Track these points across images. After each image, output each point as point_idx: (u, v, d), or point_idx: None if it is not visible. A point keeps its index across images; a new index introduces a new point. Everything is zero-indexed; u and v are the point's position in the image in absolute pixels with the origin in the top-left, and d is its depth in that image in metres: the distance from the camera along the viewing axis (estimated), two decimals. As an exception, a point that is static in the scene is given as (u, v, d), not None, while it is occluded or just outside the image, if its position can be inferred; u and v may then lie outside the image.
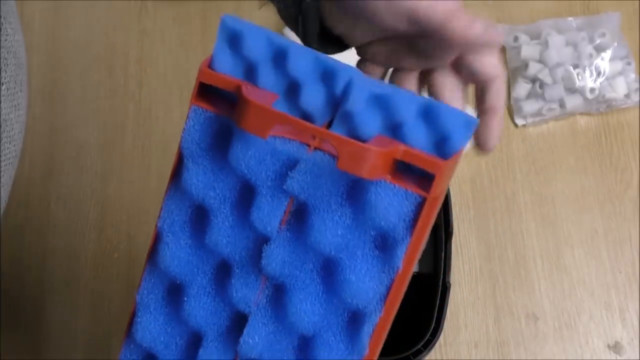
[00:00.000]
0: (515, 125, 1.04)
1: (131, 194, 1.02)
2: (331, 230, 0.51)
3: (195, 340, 0.56)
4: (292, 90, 0.52)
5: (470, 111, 1.03)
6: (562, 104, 1.03)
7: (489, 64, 0.55)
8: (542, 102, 1.03)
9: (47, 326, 0.96)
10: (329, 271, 0.52)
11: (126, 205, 1.02)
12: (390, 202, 0.49)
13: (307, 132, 0.49)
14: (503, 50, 1.07)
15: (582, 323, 0.95)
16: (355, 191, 0.50)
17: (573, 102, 1.03)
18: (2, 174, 0.63)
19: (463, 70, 0.56)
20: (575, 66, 1.03)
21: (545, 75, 1.03)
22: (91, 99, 1.08)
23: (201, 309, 0.55)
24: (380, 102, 0.50)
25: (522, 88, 1.04)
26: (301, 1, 0.56)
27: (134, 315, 0.58)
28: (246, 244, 0.53)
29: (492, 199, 1.01)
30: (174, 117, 1.06)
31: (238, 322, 0.54)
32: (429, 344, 0.87)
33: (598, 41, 1.04)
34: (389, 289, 0.50)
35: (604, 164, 1.02)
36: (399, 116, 0.50)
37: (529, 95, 1.04)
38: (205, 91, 0.53)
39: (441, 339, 0.91)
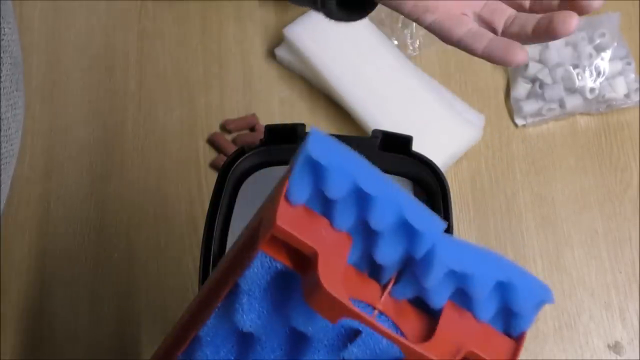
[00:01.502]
0: (515, 125, 1.04)
1: (131, 194, 1.02)
2: None
3: None
4: (369, 234, 0.49)
5: (477, 114, 1.03)
6: (562, 104, 1.03)
7: None
8: (542, 102, 1.03)
9: (47, 326, 0.96)
10: None
11: (126, 205, 1.02)
12: None
13: (379, 332, 0.47)
14: (503, 50, 1.07)
15: (582, 323, 0.95)
16: None
17: (573, 102, 1.03)
18: (0, 173, 0.63)
19: None
20: (575, 66, 1.03)
21: (545, 75, 1.03)
22: (91, 99, 1.08)
23: None
24: (458, 277, 0.48)
25: (522, 88, 1.04)
26: None
27: None
28: None
29: (492, 199, 1.01)
30: (174, 117, 1.06)
31: None
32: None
33: (598, 41, 1.04)
34: None
35: (604, 164, 1.02)
36: (474, 293, 0.49)
37: (529, 95, 1.04)
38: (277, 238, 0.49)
39: (441, 339, 0.91)
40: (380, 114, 1.01)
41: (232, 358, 0.54)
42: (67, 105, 1.07)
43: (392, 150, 0.73)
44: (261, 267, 0.50)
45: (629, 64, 1.05)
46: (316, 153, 0.46)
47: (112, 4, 1.12)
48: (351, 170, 0.47)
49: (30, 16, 1.12)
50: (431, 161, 0.74)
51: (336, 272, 0.47)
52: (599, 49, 1.04)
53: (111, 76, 1.09)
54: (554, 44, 1.03)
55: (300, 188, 0.47)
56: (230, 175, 0.69)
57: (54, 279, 0.98)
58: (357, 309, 0.47)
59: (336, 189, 0.47)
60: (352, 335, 0.49)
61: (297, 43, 1.04)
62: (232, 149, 1.00)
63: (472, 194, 1.01)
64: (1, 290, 0.97)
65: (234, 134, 1.04)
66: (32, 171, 1.03)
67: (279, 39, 1.08)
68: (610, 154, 1.03)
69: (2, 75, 0.60)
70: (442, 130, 1.00)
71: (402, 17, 1.10)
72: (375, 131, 0.74)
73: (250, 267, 0.50)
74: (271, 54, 1.08)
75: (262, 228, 0.49)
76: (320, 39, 1.04)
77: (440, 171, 0.73)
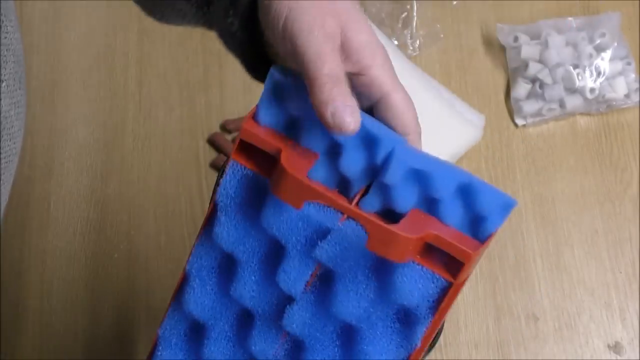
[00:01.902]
0: (515, 125, 1.04)
1: (131, 194, 1.02)
2: (354, 302, 0.51)
3: None
4: (334, 149, 0.52)
5: (477, 114, 1.03)
6: (562, 104, 1.03)
7: (400, 119, 0.52)
8: (542, 102, 1.03)
9: (47, 326, 0.96)
10: (348, 337, 0.53)
11: (126, 205, 1.02)
12: (416, 283, 0.50)
13: (340, 209, 0.49)
14: (503, 50, 1.08)
15: (582, 323, 0.95)
16: (382, 267, 0.51)
17: (573, 102, 1.03)
18: (2, 171, 0.63)
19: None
20: (575, 66, 1.03)
21: (545, 76, 1.03)
22: (91, 99, 1.08)
23: (220, 353, 0.56)
24: (419, 177, 0.50)
25: (522, 88, 1.04)
26: (234, 34, 0.55)
27: (154, 348, 0.58)
28: (270, 299, 0.54)
29: (492, 199, 1.00)
30: (174, 117, 1.06)
31: None
32: (429, 344, 0.87)
33: (598, 41, 1.04)
34: None
35: (604, 164, 1.02)
36: (437, 193, 0.50)
37: (529, 96, 1.04)
38: (246, 146, 0.53)
39: (441, 339, 0.91)
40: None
41: (217, 290, 0.56)
42: (67, 105, 1.08)
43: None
44: (234, 175, 0.53)
45: (629, 64, 1.05)
46: (280, 77, 0.51)
47: (112, 4, 1.12)
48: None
49: (30, 16, 1.12)
50: (431, 161, 0.74)
51: (300, 167, 0.50)
52: (599, 49, 1.04)
53: (111, 76, 1.09)
54: (554, 44, 1.03)
55: (266, 109, 0.52)
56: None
57: (54, 279, 0.98)
58: (319, 188, 0.50)
59: (299, 104, 0.51)
60: (323, 235, 0.51)
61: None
62: (232, 149, 1.00)
63: (472, 194, 1.01)
64: (1, 290, 0.97)
65: (234, 134, 1.04)
66: (32, 171, 1.03)
67: (279, 39, 1.08)
68: (610, 154, 1.03)
69: (5, 73, 0.60)
70: (442, 130, 1.00)
71: (402, 17, 1.10)
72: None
73: (224, 177, 0.53)
74: (271, 54, 1.08)
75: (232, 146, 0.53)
76: (320, 39, 1.04)
77: (440, 171, 0.73)
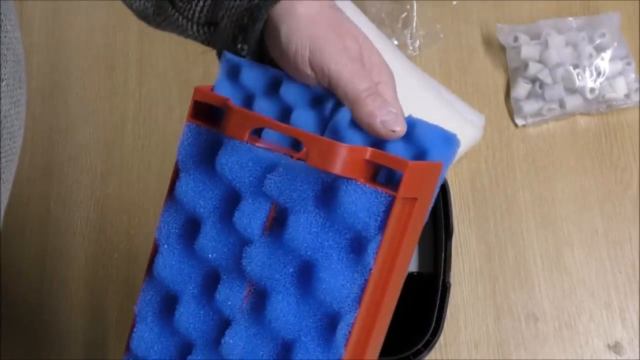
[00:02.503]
0: (515, 125, 1.04)
1: (131, 194, 1.02)
2: (305, 228, 0.52)
3: (186, 350, 0.57)
4: (286, 115, 0.56)
5: (477, 114, 1.03)
6: (562, 104, 1.03)
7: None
8: (542, 102, 1.03)
9: (47, 326, 0.96)
10: (306, 275, 0.53)
11: (126, 205, 1.02)
12: (360, 199, 0.51)
13: (280, 130, 0.52)
14: (503, 50, 1.08)
15: (582, 323, 0.95)
16: (329, 193, 0.52)
17: (573, 102, 1.03)
18: (2, 171, 0.63)
19: None
20: (575, 66, 1.03)
21: (545, 76, 1.03)
22: (91, 99, 1.08)
23: (191, 316, 0.57)
24: None
25: (522, 88, 1.04)
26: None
27: (133, 327, 0.60)
28: (232, 250, 0.55)
29: (492, 199, 1.01)
30: (174, 117, 1.06)
31: (225, 330, 0.55)
32: (429, 344, 0.87)
33: (598, 41, 1.04)
34: (363, 288, 0.51)
35: (604, 164, 1.02)
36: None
37: (529, 96, 1.04)
38: (201, 112, 0.57)
39: (441, 339, 0.91)
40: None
41: (184, 253, 0.58)
42: (67, 105, 1.08)
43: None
44: (189, 134, 0.58)
45: (629, 64, 1.05)
46: (233, 58, 0.57)
47: (112, 4, 1.12)
48: (261, 66, 0.57)
49: (30, 16, 1.12)
50: (431, 161, 0.74)
51: (246, 112, 0.54)
52: (599, 49, 1.04)
53: (111, 76, 1.09)
54: (554, 44, 1.03)
55: (221, 86, 0.57)
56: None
57: (54, 279, 0.98)
58: (261, 115, 0.53)
59: (251, 77, 0.57)
60: (271, 171, 0.53)
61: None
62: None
63: (472, 194, 1.01)
64: (1, 290, 0.97)
65: (234, 134, 1.04)
66: (32, 171, 1.03)
67: (279, 39, 1.08)
68: (610, 154, 1.03)
69: (5, 72, 0.61)
70: (442, 130, 1.00)
71: (402, 17, 1.10)
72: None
73: (181, 138, 0.58)
74: (271, 54, 1.08)
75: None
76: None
77: (440, 171, 0.73)
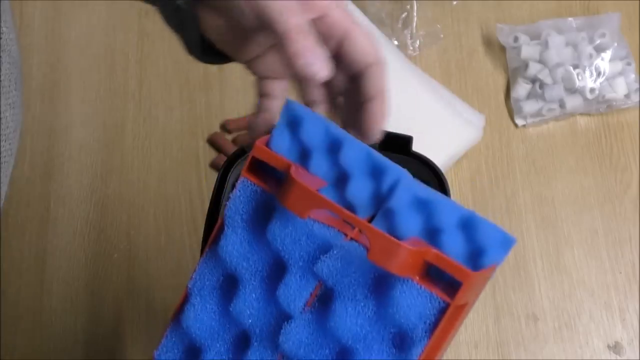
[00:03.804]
0: (515, 125, 1.04)
1: (131, 194, 1.02)
2: (352, 318, 0.52)
3: None
4: (341, 180, 0.54)
5: (477, 114, 1.03)
6: (562, 104, 1.03)
7: (362, 50, 0.55)
8: (542, 103, 1.03)
9: (47, 326, 0.96)
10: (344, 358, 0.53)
11: (126, 205, 1.02)
12: (414, 301, 0.50)
13: (343, 218, 0.51)
14: (503, 50, 1.08)
15: (582, 323, 0.95)
16: (381, 285, 0.52)
17: (573, 103, 1.03)
18: (1, 172, 0.63)
19: (341, 64, 0.55)
20: (575, 66, 1.03)
21: (545, 76, 1.03)
22: (91, 99, 1.08)
23: None
24: (423, 207, 0.52)
25: (522, 88, 1.04)
26: (178, 8, 0.56)
27: None
28: (269, 319, 0.54)
29: (492, 199, 1.01)
30: (174, 117, 1.06)
31: None
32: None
33: (598, 41, 1.04)
34: None
35: (604, 164, 1.02)
36: (439, 223, 0.51)
37: (529, 96, 1.04)
38: (257, 166, 0.55)
39: (441, 339, 0.91)
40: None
41: (217, 309, 0.56)
42: (67, 105, 1.07)
43: (392, 150, 0.73)
44: (243, 191, 0.55)
45: (629, 64, 1.05)
46: (295, 108, 0.54)
47: (112, 4, 1.12)
48: (324, 121, 0.55)
49: (30, 16, 1.12)
50: (431, 161, 0.74)
51: (308, 182, 0.52)
52: (599, 49, 1.04)
53: (111, 76, 1.09)
54: (554, 44, 1.03)
55: (280, 137, 0.54)
56: (230, 175, 0.69)
57: (54, 279, 0.98)
58: (325, 197, 0.51)
59: (311, 133, 0.54)
60: (325, 252, 0.52)
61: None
62: (232, 149, 1.00)
63: (472, 194, 1.01)
64: (1, 290, 0.97)
65: (234, 134, 1.04)
66: (32, 171, 1.03)
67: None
68: (610, 154, 1.03)
69: (0, 74, 0.61)
70: (442, 130, 1.00)
71: (402, 17, 1.10)
72: (375, 131, 0.74)
73: (233, 193, 0.55)
74: (271, 54, 1.08)
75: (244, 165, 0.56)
76: (320, 39, 1.04)
77: (440, 171, 0.73)
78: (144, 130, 1.05)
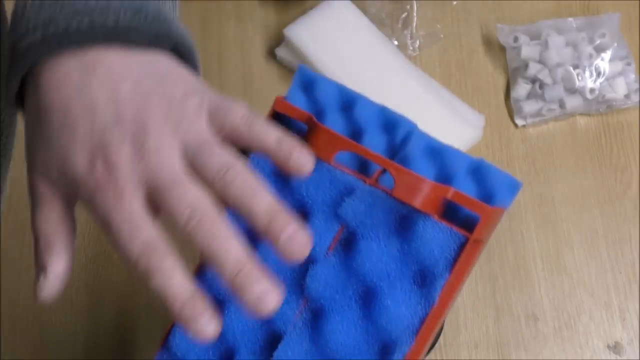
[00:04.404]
0: (515, 125, 1.04)
1: (131, 194, 1.02)
2: (377, 255, 0.53)
3: (230, 357, 0.57)
4: (356, 136, 0.56)
5: (477, 115, 1.03)
6: (562, 105, 1.03)
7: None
8: (542, 103, 1.03)
9: (47, 326, 0.96)
10: (367, 300, 0.54)
11: (126, 205, 1.02)
12: (435, 237, 0.52)
13: (370, 158, 0.52)
14: (503, 50, 1.08)
15: (582, 323, 0.95)
16: (403, 224, 0.53)
17: (573, 103, 1.03)
18: (2, 170, 0.64)
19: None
20: (575, 66, 1.03)
21: (545, 76, 1.03)
22: (91, 99, 1.08)
23: (240, 323, 0.56)
24: (435, 154, 0.54)
25: (522, 88, 1.04)
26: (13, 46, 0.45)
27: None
28: (292, 266, 0.55)
29: (492, 199, 1.01)
30: (174, 117, 1.06)
31: (274, 343, 0.55)
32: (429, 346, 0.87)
33: (598, 42, 1.04)
34: (422, 321, 0.52)
35: (604, 164, 1.02)
36: (451, 169, 0.54)
37: (529, 96, 1.04)
38: (277, 122, 0.55)
39: (441, 339, 0.91)
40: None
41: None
42: (67, 105, 1.07)
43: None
44: None
45: (629, 64, 1.05)
46: (307, 71, 0.57)
47: (112, 4, 1.12)
48: (335, 82, 0.57)
49: (30, 16, 1.12)
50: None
51: (334, 134, 0.53)
52: (599, 50, 1.04)
53: (111, 76, 1.09)
54: (554, 44, 1.03)
55: (294, 98, 0.57)
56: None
57: (54, 279, 0.98)
58: (350, 140, 0.52)
59: (325, 92, 0.56)
60: (348, 196, 0.53)
61: (298, 43, 1.04)
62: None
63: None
64: (1, 290, 0.97)
65: (234, 134, 1.04)
66: (32, 171, 1.03)
67: (279, 39, 1.08)
68: (610, 154, 1.03)
69: (1, 73, 0.61)
70: (442, 130, 0.99)
71: (402, 17, 1.10)
72: (375, 131, 0.75)
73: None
74: (271, 54, 1.08)
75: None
76: (320, 39, 1.04)
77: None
78: (144, 130, 1.05)
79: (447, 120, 1.01)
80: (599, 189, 1.01)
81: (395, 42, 1.08)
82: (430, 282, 0.52)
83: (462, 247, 0.52)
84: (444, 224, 0.52)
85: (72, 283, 0.98)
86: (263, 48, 1.09)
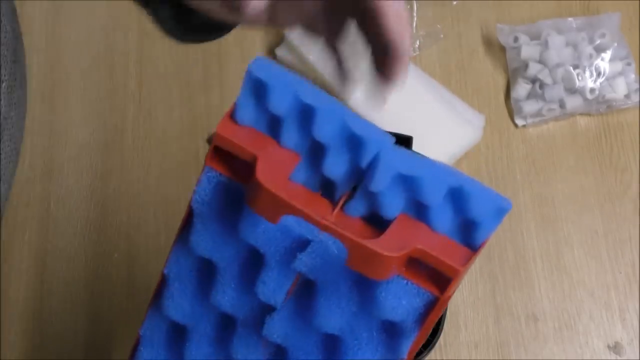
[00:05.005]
0: (515, 125, 1.04)
1: (131, 194, 1.02)
2: (336, 315, 0.49)
3: None
4: (317, 151, 0.49)
5: (477, 115, 1.02)
6: (562, 105, 1.03)
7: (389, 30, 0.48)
8: (542, 103, 1.03)
9: (47, 326, 0.96)
10: (332, 345, 0.51)
11: (126, 205, 1.02)
12: (400, 299, 0.48)
13: (319, 227, 0.47)
14: (503, 50, 1.08)
15: (582, 323, 0.95)
16: (365, 281, 0.48)
17: (573, 103, 1.03)
18: (2, 171, 0.63)
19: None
20: (575, 66, 1.03)
21: (545, 76, 1.03)
22: (91, 99, 1.08)
23: (202, 354, 0.54)
24: (407, 182, 0.47)
25: (522, 88, 1.04)
26: None
27: (136, 348, 0.57)
28: (251, 305, 0.52)
29: (492, 199, 1.00)
30: (174, 117, 1.06)
31: None
32: (429, 345, 0.87)
33: (598, 42, 1.04)
34: None
35: (604, 164, 1.02)
36: (426, 199, 0.47)
37: (529, 96, 1.04)
38: (222, 151, 0.50)
39: (441, 339, 0.91)
40: (380, 114, 1.01)
41: (196, 294, 0.54)
42: (67, 105, 1.07)
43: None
44: (208, 183, 0.51)
45: (629, 64, 1.05)
46: (259, 73, 0.49)
47: (112, 4, 1.12)
48: (293, 86, 0.48)
49: (30, 16, 1.12)
50: (431, 161, 0.74)
51: (278, 177, 0.47)
52: (599, 50, 1.04)
53: (111, 76, 1.09)
54: (554, 44, 1.03)
55: (245, 107, 0.50)
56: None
57: (54, 279, 0.98)
58: (295, 203, 0.46)
59: (279, 103, 0.48)
60: (302, 247, 0.48)
61: (298, 43, 1.04)
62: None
63: (472, 194, 1.01)
64: (1, 290, 0.97)
65: (234, 134, 1.04)
66: (32, 171, 1.03)
67: (279, 39, 1.08)
68: (610, 154, 1.03)
69: (5, 73, 0.61)
70: (442, 130, 1.00)
71: (402, 17, 1.10)
72: (375, 131, 0.74)
73: (198, 184, 0.50)
74: (271, 54, 1.08)
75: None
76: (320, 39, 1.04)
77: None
78: (144, 130, 1.05)
79: (447, 120, 1.01)
80: (599, 189, 1.01)
81: (395, 42, 1.07)
82: (398, 338, 0.49)
83: (431, 304, 0.48)
84: (411, 283, 0.47)
85: (72, 283, 0.99)
86: (263, 48, 1.09)
